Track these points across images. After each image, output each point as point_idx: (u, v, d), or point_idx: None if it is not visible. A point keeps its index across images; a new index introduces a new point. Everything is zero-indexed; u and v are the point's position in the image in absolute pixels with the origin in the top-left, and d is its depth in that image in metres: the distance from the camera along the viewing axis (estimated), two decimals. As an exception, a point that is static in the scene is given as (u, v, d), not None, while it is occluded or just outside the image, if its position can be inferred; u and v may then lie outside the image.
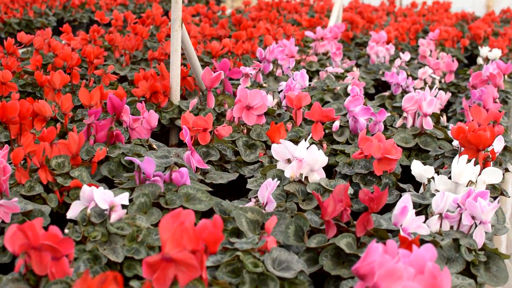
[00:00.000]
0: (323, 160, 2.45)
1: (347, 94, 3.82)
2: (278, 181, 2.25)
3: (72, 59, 3.74)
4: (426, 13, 8.25)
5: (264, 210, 2.23)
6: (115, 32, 5.59)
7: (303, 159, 2.42)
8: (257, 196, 2.28)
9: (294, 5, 7.70)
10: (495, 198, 2.68)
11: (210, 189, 2.41)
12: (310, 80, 4.74)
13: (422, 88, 4.11)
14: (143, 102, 3.45)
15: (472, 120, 3.10)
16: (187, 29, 5.23)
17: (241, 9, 7.96)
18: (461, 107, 4.03)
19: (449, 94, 3.65)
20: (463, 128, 2.69)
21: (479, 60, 5.15)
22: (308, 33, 5.14)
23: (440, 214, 2.14)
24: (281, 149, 2.48)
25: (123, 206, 2.09)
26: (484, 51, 5.13)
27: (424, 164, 3.00)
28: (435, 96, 3.71)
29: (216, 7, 7.01)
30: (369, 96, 4.64)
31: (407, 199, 2.05)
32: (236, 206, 2.26)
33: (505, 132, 3.34)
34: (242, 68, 3.97)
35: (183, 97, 3.88)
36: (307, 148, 2.45)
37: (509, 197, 2.68)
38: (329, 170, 2.75)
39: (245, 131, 3.10)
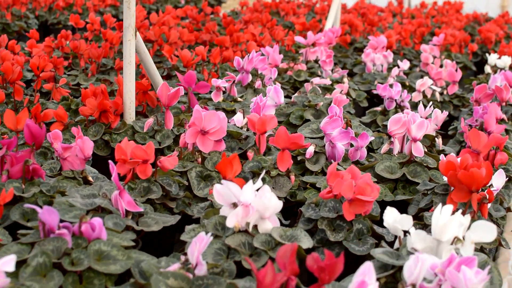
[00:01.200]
0: (276, 205, 1.97)
1: (331, 111, 3.33)
2: (211, 237, 1.78)
3: (14, 72, 3.27)
4: (436, 14, 7.73)
5: (194, 274, 1.76)
6: (91, 36, 5.14)
7: (250, 204, 1.94)
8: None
9: (292, 5, 7.21)
10: (491, 250, 2.19)
11: (131, 244, 1.93)
12: (295, 91, 4.26)
13: (420, 102, 3.59)
14: (87, 123, 2.99)
15: (470, 148, 2.60)
16: (167, 35, 4.77)
17: (238, 10, 7.48)
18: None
19: (445, 113, 3.14)
20: (454, 163, 2.20)
21: (487, 69, 4.66)
22: (298, 39, 4.66)
23: (414, 286, 1.65)
24: (225, 190, 1.99)
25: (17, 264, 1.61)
26: (492, 58, 4.63)
27: (410, 201, 2.51)
28: (430, 115, 3.22)
29: (208, 8, 6.52)
30: (361, 110, 4.16)
31: (367, 270, 1.56)
32: (159, 268, 1.78)
33: (510, 159, 2.84)
34: (213, 80, 3.50)
35: (144, 114, 3.41)
36: (257, 190, 1.97)
37: (509, 248, 2.19)
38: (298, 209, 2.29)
39: (199, 159, 2.62)
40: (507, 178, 2.71)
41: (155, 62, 4.60)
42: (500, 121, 3.58)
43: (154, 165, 2.40)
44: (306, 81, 4.34)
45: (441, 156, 2.46)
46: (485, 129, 2.91)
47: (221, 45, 4.72)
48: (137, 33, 3.10)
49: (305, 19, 6.98)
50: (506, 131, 3.53)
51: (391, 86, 3.73)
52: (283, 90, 4.10)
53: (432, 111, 3.17)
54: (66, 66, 4.51)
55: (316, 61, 4.62)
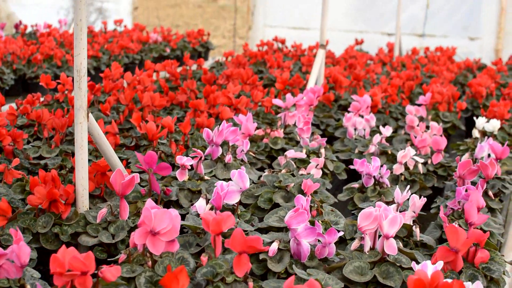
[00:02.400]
0: None
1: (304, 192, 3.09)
2: None
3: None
4: (426, 62, 7.51)
5: None
6: (62, 98, 4.92)
7: None
8: None
9: (278, 56, 6.99)
10: None
11: None
12: (271, 161, 4.03)
13: (397, 187, 3.36)
14: (36, 212, 2.76)
15: (448, 246, 2.37)
16: (140, 97, 4.55)
17: (222, 61, 7.27)
18: (445, 203, 3.29)
19: (423, 200, 2.90)
20: (423, 281, 1.95)
21: (475, 133, 4.43)
22: (276, 101, 4.44)
23: None
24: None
25: None
26: (480, 122, 4.40)
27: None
28: (405, 203, 2.98)
29: (190, 61, 6.30)
30: (340, 183, 3.93)
31: None
32: None
33: (492, 254, 2.60)
34: (178, 158, 3.27)
35: (102, 198, 3.17)
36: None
37: None
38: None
39: (149, 263, 2.38)
40: (489, 278, 2.48)
41: (125, 129, 4.38)
42: (485, 195, 3.36)
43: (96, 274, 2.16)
44: (283, 149, 4.11)
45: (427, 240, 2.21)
46: (466, 220, 2.67)
47: (195, 108, 4.50)
48: (90, 114, 2.87)
49: (292, 69, 6.77)
50: (492, 210, 3.29)
51: (369, 161, 3.50)
52: (258, 161, 3.89)
53: (410, 197, 2.93)
54: (32, 134, 4.28)
55: (296, 124, 4.39)
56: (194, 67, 6.89)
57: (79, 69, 2.79)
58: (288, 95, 4.45)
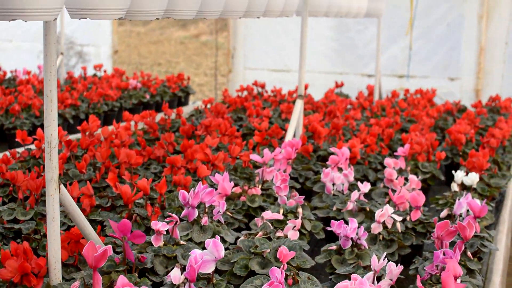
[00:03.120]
0: None
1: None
2: None
3: None
4: (406, 106, 7.52)
5: None
6: (38, 154, 4.87)
7: None
8: None
9: (258, 103, 6.98)
10: None
11: None
12: (249, 220, 3.99)
13: (374, 254, 3.33)
14: (8, 286, 2.70)
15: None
16: (116, 153, 4.51)
17: (201, 108, 7.25)
18: (423, 266, 3.26)
19: (400, 268, 2.87)
20: None
21: (454, 186, 4.40)
22: (254, 157, 4.41)
23: None
24: None
25: None
26: (459, 176, 4.39)
27: None
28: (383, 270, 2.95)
29: (169, 110, 6.27)
30: (318, 243, 3.89)
31: None
32: None
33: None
34: (153, 223, 3.23)
35: (76, 267, 3.12)
36: None
37: None
38: None
39: None
40: None
41: (102, 188, 4.34)
42: (463, 255, 3.33)
43: None
44: (261, 207, 4.07)
45: None
46: (443, 290, 2.63)
47: (172, 165, 4.46)
48: (61, 186, 2.83)
49: (271, 116, 6.75)
50: (471, 271, 3.26)
51: (347, 222, 3.47)
52: (235, 221, 3.85)
53: (386, 264, 2.89)
54: (8, 194, 4.23)
55: (274, 181, 4.36)
56: (173, 115, 6.85)
57: (50, 141, 2.75)
58: (266, 150, 4.42)
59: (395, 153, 4.96)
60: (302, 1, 5.12)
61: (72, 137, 6.62)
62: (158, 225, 3.23)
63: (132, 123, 6.60)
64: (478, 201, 3.64)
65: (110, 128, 6.81)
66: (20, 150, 5.96)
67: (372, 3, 6.99)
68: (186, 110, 8.40)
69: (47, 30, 2.70)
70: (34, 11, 2.39)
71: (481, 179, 4.68)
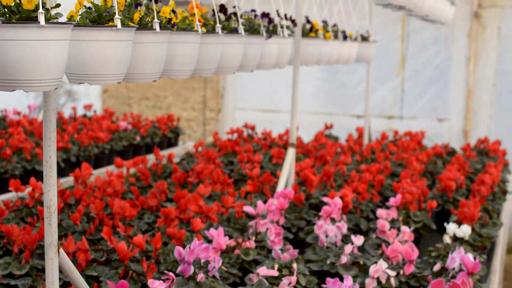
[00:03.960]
0: None
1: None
2: None
3: None
4: (396, 150, 7.57)
5: None
6: (31, 203, 4.88)
7: None
8: None
9: (249, 148, 7.01)
10: None
11: None
12: (244, 274, 4.01)
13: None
14: None
15: None
16: (110, 204, 4.53)
17: (192, 152, 7.27)
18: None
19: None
20: None
21: (446, 238, 4.44)
22: (247, 209, 4.44)
23: None
24: None
25: None
26: (451, 228, 4.43)
27: None
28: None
29: (160, 155, 6.30)
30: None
31: None
32: None
33: None
34: (150, 282, 3.25)
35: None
36: None
37: None
38: None
39: None
40: None
41: (96, 240, 4.35)
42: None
43: None
44: (255, 260, 4.09)
45: None
46: None
47: (166, 216, 4.48)
48: (61, 249, 2.85)
49: (262, 160, 6.78)
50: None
51: (342, 278, 3.49)
52: (229, 275, 3.87)
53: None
54: (2, 246, 4.24)
55: (268, 234, 4.38)
56: (165, 160, 6.87)
57: (49, 206, 2.77)
58: (259, 202, 4.45)
59: (387, 203, 4.99)
60: (293, 52, 5.17)
61: (63, 180, 6.63)
62: (155, 283, 3.26)
63: (124, 168, 6.62)
64: (470, 256, 3.67)
65: (103, 174, 6.85)
66: (10, 195, 5.99)
67: (362, 48, 7.06)
68: (176, 152, 8.42)
69: (47, 98, 2.73)
70: (35, 82, 2.42)
71: (472, 229, 4.72)
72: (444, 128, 9.85)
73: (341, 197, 5.07)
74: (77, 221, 4.41)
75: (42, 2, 2.42)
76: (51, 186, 2.75)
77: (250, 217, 4.90)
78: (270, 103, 10.31)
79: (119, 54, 2.77)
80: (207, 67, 3.63)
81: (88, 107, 9.47)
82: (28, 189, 5.12)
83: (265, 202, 5.26)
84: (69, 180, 6.50)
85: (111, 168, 7.44)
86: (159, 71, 3.13)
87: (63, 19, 2.65)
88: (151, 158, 7.79)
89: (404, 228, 4.38)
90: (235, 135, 8.22)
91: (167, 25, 3.18)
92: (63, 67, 2.48)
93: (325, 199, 4.78)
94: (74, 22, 2.55)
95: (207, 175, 5.62)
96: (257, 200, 5.17)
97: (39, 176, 6.75)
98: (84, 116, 9.35)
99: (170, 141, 8.97)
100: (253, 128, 8.39)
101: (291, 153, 5.33)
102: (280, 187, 5.12)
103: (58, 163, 7.00)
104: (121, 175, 5.38)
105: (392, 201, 4.91)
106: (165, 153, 8.20)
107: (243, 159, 6.44)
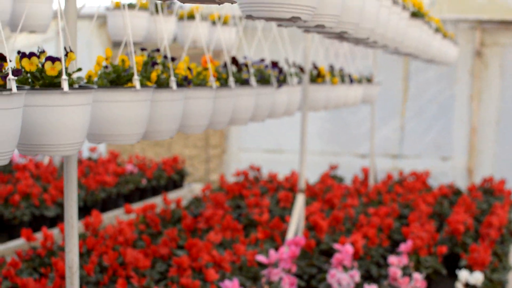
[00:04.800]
0: None
1: None
2: None
3: None
4: (402, 191, 7.59)
5: None
6: (44, 253, 4.89)
7: None
8: None
9: (256, 191, 7.04)
10: None
11: None
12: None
13: None
14: None
15: None
16: (123, 253, 4.54)
17: (200, 196, 7.30)
18: None
19: None
20: None
21: (458, 286, 4.45)
22: (260, 258, 4.46)
23: None
24: None
25: None
26: (463, 276, 4.44)
27: None
28: None
29: (168, 200, 6.32)
30: None
31: None
32: None
33: None
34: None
35: None
36: None
37: None
38: None
39: None
40: None
41: (109, 291, 4.36)
42: None
43: None
44: (269, 311, 4.10)
45: None
46: None
47: (179, 265, 4.49)
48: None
49: (270, 203, 6.79)
50: None
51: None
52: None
53: None
54: (15, 298, 4.25)
55: (281, 285, 4.40)
56: (173, 205, 6.89)
57: (71, 266, 2.80)
58: (271, 252, 4.47)
59: (397, 249, 5.01)
60: (301, 98, 5.21)
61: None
62: None
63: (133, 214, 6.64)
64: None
65: (110, 219, 6.87)
66: (19, 242, 6.01)
67: (366, 90, 7.12)
68: (182, 194, 8.46)
69: (68, 161, 2.76)
70: (59, 146, 2.45)
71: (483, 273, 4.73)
72: (448, 166, 9.88)
73: (352, 243, 5.08)
74: (91, 272, 4.42)
75: (65, 68, 2.46)
76: (73, 246, 2.77)
77: (262, 264, 4.91)
78: (274, 144, 10.35)
79: (138, 114, 2.81)
80: (221, 120, 3.66)
81: (92, 149, 9.50)
82: (40, 238, 5.13)
83: (275, 248, 5.27)
84: (78, 226, 6.51)
85: (118, 212, 7.47)
86: (176, 128, 3.16)
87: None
88: (158, 201, 7.81)
89: (416, 276, 4.39)
90: (241, 178, 8.25)
91: (183, 82, 3.21)
92: (85, 130, 2.52)
93: (336, 245, 4.80)
94: (95, 86, 2.59)
95: (217, 222, 5.64)
96: (267, 247, 5.19)
97: (48, 222, 6.78)
98: (90, 159, 9.38)
99: (176, 183, 9.00)
100: (258, 170, 8.41)
101: (300, 200, 5.36)
102: (290, 234, 5.14)
103: (66, 209, 7.00)
104: (131, 223, 5.40)
105: (402, 247, 4.92)
106: (171, 195, 8.23)
107: (251, 204, 6.46)
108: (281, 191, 7.36)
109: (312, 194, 7.26)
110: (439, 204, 7.26)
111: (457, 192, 7.95)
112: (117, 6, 4.80)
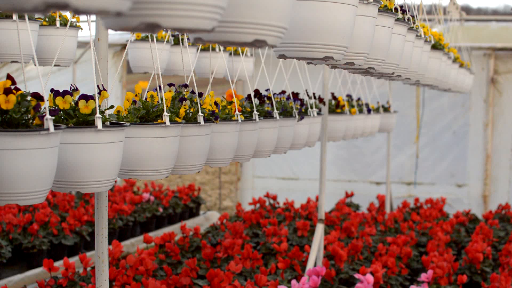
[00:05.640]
0: None
1: None
2: None
3: None
4: (419, 219, 7.60)
5: None
6: (65, 283, 4.91)
7: None
8: None
9: (274, 221, 7.05)
10: None
11: None
12: None
13: None
14: None
15: None
16: (145, 284, 4.56)
17: (217, 225, 7.32)
18: None
19: None
20: None
21: (481, 317, 4.45)
22: (281, 289, 4.46)
23: None
24: None
25: None
26: (485, 306, 4.44)
27: None
28: None
29: (187, 229, 6.34)
30: None
31: None
32: None
33: None
34: None
35: None
36: None
37: None
38: None
39: None
40: None
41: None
42: None
43: None
44: None
45: None
46: None
47: (201, 296, 4.51)
48: None
49: (288, 231, 6.80)
50: None
51: None
52: None
53: None
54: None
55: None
56: (191, 233, 6.91)
57: (100, 300, 2.81)
58: (294, 282, 4.49)
59: (418, 279, 5.01)
60: (321, 129, 5.24)
61: (89, 254, 6.69)
62: None
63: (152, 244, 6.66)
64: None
65: (128, 247, 6.90)
66: (39, 271, 6.05)
67: (384, 119, 7.14)
68: (199, 222, 8.49)
69: (99, 196, 2.79)
70: (92, 183, 2.48)
71: (505, 305, 4.73)
72: (463, 193, 9.88)
73: (372, 273, 5.09)
74: (113, 304, 4.44)
75: (98, 106, 2.50)
76: (103, 281, 2.80)
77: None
78: (289, 171, 10.37)
79: (167, 150, 2.84)
80: (245, 153, 3.69)
81: (109, 177, 9.52)
82: (59, 267, 5.16)
83: (295, 277, 5.29)
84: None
85: (135, 240, 7.50)
86: (203, 162, 3.19)
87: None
88: (175, 229, 7.85)
89: (438, 306, 4.39)
90: (258, 206, 8.28)
91: (210, 117, 3.25)
92: (118, 166, 2.55)
93: (356, 275, 4.81)
94: (128, 124, 2.62)
95: (236, 251, 5.66)
96: (287, 276, 5.21)
97: (66, 250, 6.81)
98: (106, 186, 9.40)
99: (192, 211, 9.03)
100: (274, 198, 8.44)
101: (320, 229, 5.37)
102: (310, 263, 5.15)
103: (84, 237, 7.05)
104: (151, 252, 5.43)
105: (423, 276, 4.93)
106: (187, 223, 8.26)
107: (270, 233, 6.47)
108: (298, 219, 7.38)
109: (329, 222, 7.27)
110: (456, 231, 7.26)
111: (473, 220, 7.95)
112: (139, 38, 4.85)
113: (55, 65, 4.03)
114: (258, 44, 1.69)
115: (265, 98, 4.15)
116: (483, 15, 12.64)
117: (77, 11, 1.06)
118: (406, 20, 3.35)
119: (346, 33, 2.30)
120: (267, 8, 1.65)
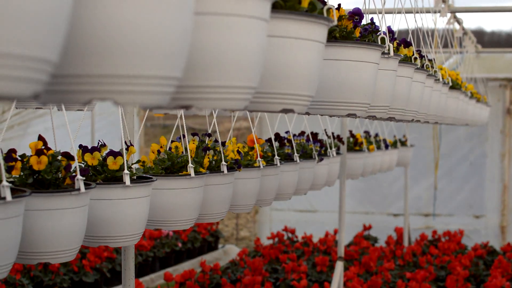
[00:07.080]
0: None
1: None
2: None
3: None
4: (437, 252, 7.61)
5: None
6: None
7: None
8: None
9: (293, 256, 7.08)
10: None
11: None
12: None
13: None
14: None
15: None
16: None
17: (237, 260, 7.35)
18: None
19: None
20: None
21: None
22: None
23: None
24: None
25: None
26: None
27: None
28: None
29: (207, 266, 6.38)
30: None
31: None
32: None
33: None
34: None
35: None
36: None
37: None
38: None
39: None
40: None
41: None
42: None
43: None
44: None
45: None
46: None
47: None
48: None
49: (307, 267, 6.83)
50: None
51: None
52: None
53: None
54: None
55: None
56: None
57: None
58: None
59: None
60: (340, 168, 5.28)
61: (110, 291, 6.74)
62: None
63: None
64: None
65: (148, 283, 6.93)
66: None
67: (401, 153, 7.18)
68: (218, 256, 8.52)
69: (127, 250, 2.84)
70: (120, 238, 2.53)
71: None
72: (480, 224, 9.87)
73: (393, 312, 5.11)
74: None
75: (126, 161, 2.56)
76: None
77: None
78: (306, 203, 10.39)
79: (192, 200, 2.89)
80: (267, 198, 3.73)
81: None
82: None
83: (316, 316, 5.31)
84: (117, 292, 6.59)
85: (155, 276, 7.54)
86: (227, 210, 3.24)
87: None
88: (194, 264, 7.88)
89: None
90: (276, 239, 8.31)
91: (233, 165, 3.30)
92: (145, 220, 2.60)
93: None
94: (154, 178, 2.67)
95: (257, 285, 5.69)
96: (308, 315, 5.23)
97: (87, 287, 6.86)
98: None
99: (210, 245, 9.06)
100: (293, 232, 8.47)
101: (339, 267, 5.40)
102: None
103: (104, 274, 7.09)
104: (174, 291, 5.47)
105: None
106: (206, 258, 8.29)
107: (289, 269, 6.50)
108: (317, 254, 7.40)
109: (348, 256, 7.29)
110: (475, 265, 7.26)
111: (491, 252, 7.95)
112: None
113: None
114: (285, 111, 1.72)
115: (285, 141, 4.19)
116: (497, 47, 12.69)
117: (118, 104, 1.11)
118: (424, 67, 3.39)
119: (368, 90, 2.35)
120: (295, 79, 1.70)
